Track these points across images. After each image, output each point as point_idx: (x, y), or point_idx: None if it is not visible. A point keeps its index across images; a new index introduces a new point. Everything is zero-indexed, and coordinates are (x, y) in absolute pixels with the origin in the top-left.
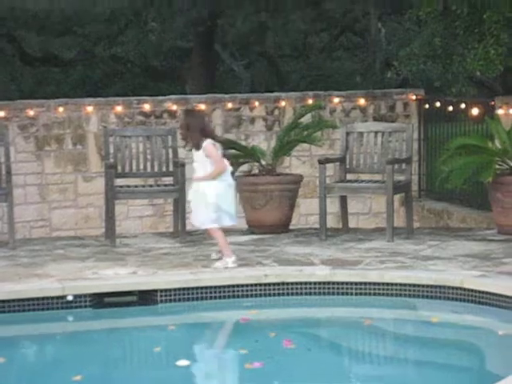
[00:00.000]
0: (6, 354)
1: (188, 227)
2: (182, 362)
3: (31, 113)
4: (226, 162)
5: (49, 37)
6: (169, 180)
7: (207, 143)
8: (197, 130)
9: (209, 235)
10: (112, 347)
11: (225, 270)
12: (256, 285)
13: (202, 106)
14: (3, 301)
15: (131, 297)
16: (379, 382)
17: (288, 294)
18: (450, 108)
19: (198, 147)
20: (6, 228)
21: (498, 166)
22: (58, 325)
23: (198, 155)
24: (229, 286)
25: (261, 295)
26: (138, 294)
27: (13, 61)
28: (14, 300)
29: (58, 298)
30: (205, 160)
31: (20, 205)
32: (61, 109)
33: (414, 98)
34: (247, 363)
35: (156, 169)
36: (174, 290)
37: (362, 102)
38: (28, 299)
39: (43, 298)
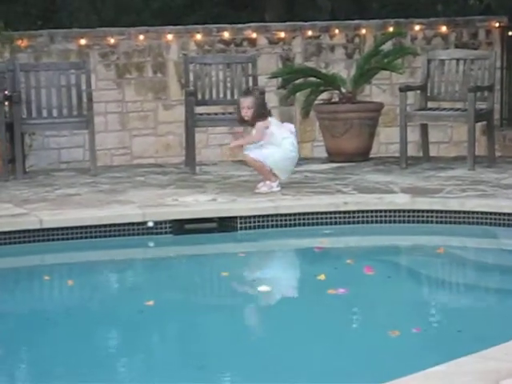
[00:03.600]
0: (85, 278)
1: None
2: (263, 288)
3: (112, 41)
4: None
5: None
6: None
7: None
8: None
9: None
10: (191, 273)
11: (304, 198)
12: (335, 212)
13: (282, 34)
14: (85, 226)
15: (211, 223)
16: (460, 309)
17: (368, 222)
18: None
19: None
20: (88, 155)
21: None
22: (138, 251)
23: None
24: (308, 214)
25: (340, 223)
26: (217, 220)
27: None
28: (95, 226)
29: (138, 224)
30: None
31: (101, 132)
32: (141, 37)
33: (496, 25)
34: (330, 289)
35: (236, 96)
36: (254, 217)
37: (443, 29)
38: (109, 225)
39: (124, 224)
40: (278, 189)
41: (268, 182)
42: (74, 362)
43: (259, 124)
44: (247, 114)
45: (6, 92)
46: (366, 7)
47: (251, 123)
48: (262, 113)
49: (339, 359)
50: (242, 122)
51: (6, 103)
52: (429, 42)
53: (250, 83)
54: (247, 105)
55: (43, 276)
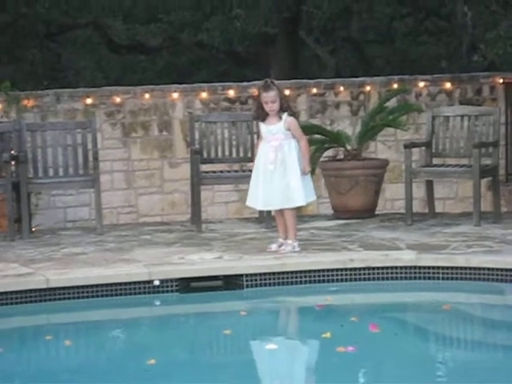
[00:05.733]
0: (92, 337)
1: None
2: (271, 346)
3: (118, 100)
4: None
5: (135, 24)
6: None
7: (289, 117)
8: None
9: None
10: (198, 332)
11: (310, 256)
12: (341, 269)
13: (287, 92)
14: (91, 286)
15: (217, 281)
16: (467, 366)
17: (374, 279)
18: None
19: (280, 117)
20: (94, 214)
21: None
22: (145, 309)
23: (272, 127)
24: (314, 271)
25: (346, 280)
26: (223, 278)
27: (99, 49)
28: (101, 285)
29: (144, 282)
30: (286, 133)
31: (107, 191)
32: (147, 95)
33: (500, 81)
34: (339, 347)
35: (241, 154)
36: (260, 274)
37: (447, 85)
38: (115, 284)
39: (130, 283)
40: (299, 249)
41: (290, 241)
42: None
43: (294, 122)
44: (272, 108)
45: (13, 152)
46: (371, 64)
47: (277, 114)
48: (287, 105)
49: None
50: (258, 118)
51: (13, 163)
52: (433, 99)
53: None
54: (271, 99)
55: (50, 335)
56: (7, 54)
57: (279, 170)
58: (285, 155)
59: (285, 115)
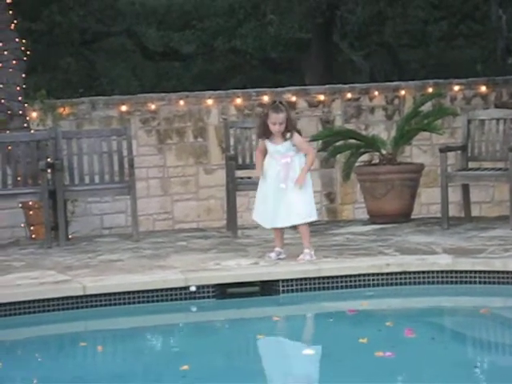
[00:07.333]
0: (129, 344)
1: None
2: (308, 352)
3: (153, 106)
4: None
5: (168, 31)
6: None
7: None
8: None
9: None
10: (235, 338)
11: (346, 261)
12: (378, 274)
13: (321, 97)
14: (128, 292)
15: (253, 287)
16: (506, 372)
17: (410, 284)
18: None
19: (285, 138)
20: (130, 221)
21: None
22: (181, 315)
23: (280, 147)
24: (350, 276)
25: (383, 285)
26: (259, 284)
27: (134, 56)
28: (138, 291)
29: (181, 288)
30: (291, 150)
31: (143, 198)
32: (181, 102)
33: None
34: (377, 352)
35: None
36: (296, 280)
37: (483, 89)
38: (152, 290)
39: (167, 289)
40: (315, 257)
41: (307, 251)
42: None
43: (299, 138)
44: (280, 129)
45: (49, 159)
46: (405, 68)
47: (281, 133)
48: (292, 127)
49: None
50: (263, 135)
51: (49, 171)
52: (468, 102)
53: None
54: (280, 121)
55: (86, 342)
56: (42, 63)
57: (290, 187)
58: (295, 173)
59: (288, 134)
